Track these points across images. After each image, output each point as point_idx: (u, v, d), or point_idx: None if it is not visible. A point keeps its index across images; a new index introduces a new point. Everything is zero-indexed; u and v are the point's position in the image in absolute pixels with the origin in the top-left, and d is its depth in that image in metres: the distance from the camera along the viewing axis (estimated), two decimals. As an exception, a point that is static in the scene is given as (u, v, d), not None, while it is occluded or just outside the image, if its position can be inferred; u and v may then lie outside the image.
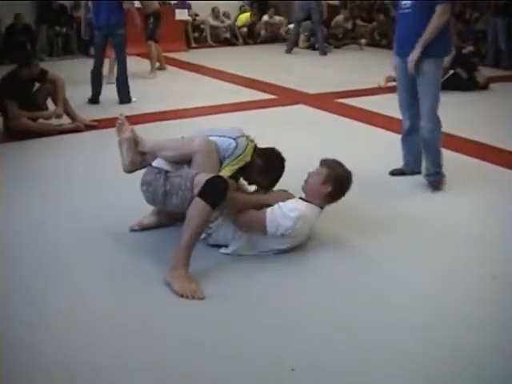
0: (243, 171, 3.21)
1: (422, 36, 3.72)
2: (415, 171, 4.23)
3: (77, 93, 6.34)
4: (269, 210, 3.00)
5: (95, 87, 6.57)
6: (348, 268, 3.00)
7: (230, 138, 3.10)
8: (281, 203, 3.02)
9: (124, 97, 6.55)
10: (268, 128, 5.23)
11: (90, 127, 5.51)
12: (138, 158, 3.29)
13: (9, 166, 4.52)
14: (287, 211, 2.96)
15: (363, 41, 11.63)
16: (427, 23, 3.71)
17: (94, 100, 6.56)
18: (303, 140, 5.06)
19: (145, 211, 3.37)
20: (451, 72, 6.98)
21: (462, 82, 7.06)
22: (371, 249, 3.21)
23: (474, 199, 3.89)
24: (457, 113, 5.78)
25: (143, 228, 3.35)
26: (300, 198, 3.10)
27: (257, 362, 2.29)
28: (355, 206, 3.57)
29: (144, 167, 3.25)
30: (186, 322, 2.55)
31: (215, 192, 2.82)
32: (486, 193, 4.01)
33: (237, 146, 3.08)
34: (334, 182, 3.06)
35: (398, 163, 4.23)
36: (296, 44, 11.26)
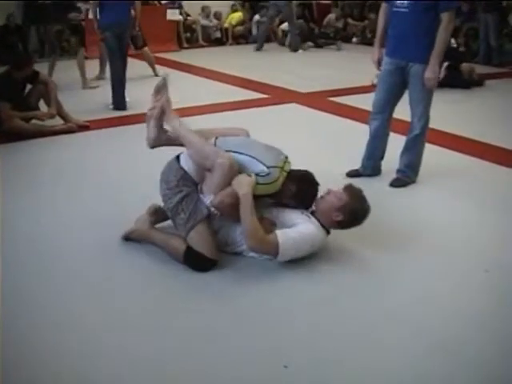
0: (275, 195, 3.08)
1: (435, 50, 3.63)
2: (372, 175, 4.20)
3: (69, 94, 6.32)
4: (279, 233, 2.85)
5: (119, 92, 6.27)
6: (347, 268, 3.02)
7: (263, 164, 2.97)
8: (294, 227, 2.91)
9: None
10: (261, 127, 5.21)
11: (82, 128, 5.51)
12: (163, 135, 3.25)
13: (1, 167, 4.49)
14: (306, 236, 2.90)
15: (342, 42, 11.56)
16: (425, 25, 3.64)
17: (120, 106, 6.28)
18: (296, 139, 5.07)
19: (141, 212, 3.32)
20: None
21: (450, 78, 7.08)
22: (368, 246, 3.23)
23: (465, 196, 3.93)
24: (447, 110, 5.81)
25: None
26: (311, 213, 3.04)
27: (249, 359, 2.30)
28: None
29: (168, 145, 3.22)
30: (178, 320, 2.57)
31: (192, 263, 2.92)
32: (475, 188, 4.06)
33: (268, 175, 2.96)
34: (349, 214, 2.96)
35: (391, 161, 4.19)
36: (268, 41, 11.54)
